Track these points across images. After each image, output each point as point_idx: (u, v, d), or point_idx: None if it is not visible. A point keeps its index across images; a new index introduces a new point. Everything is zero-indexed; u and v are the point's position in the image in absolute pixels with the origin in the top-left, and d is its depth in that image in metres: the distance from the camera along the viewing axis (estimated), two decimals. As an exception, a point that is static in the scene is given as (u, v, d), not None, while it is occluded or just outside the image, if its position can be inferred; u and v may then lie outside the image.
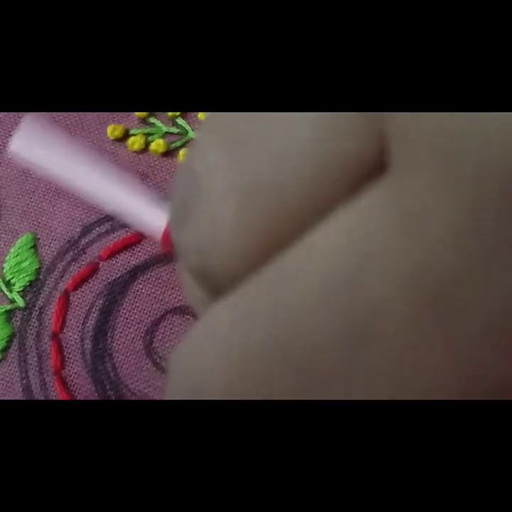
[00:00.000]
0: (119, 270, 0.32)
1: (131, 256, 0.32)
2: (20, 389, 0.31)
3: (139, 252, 0.31)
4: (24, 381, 0.31)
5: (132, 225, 0.29)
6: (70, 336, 0.31)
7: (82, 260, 0.32)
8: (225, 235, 0.12)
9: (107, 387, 0.30)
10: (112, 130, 0.34)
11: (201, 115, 0.33)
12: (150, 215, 0.29)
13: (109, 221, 0.32)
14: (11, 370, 0.31)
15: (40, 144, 0.28)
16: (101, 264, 0.32)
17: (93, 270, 0.32)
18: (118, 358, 0.31)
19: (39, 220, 0.33)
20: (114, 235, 0.32)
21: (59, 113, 0.34)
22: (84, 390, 0.31)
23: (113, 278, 0.32)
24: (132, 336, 0.31)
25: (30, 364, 0.31)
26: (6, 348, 0.32)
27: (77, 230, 0.32)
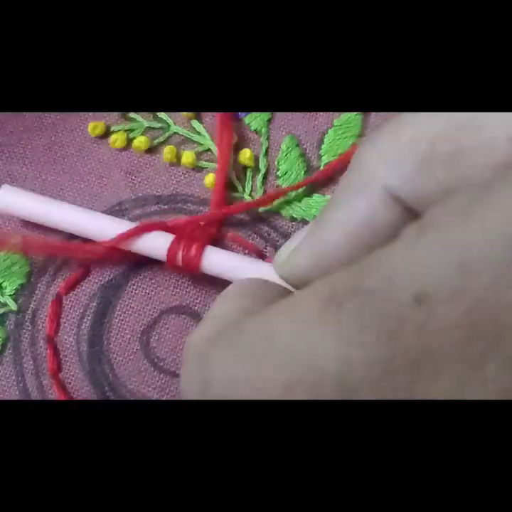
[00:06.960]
0: (111, 272, 0.32)
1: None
2: (17, 392, 0.31)
3: (131, 252, 0.31)
4: (20, 384, 0.31)
5: (135, 250, 0.30)
6: (66, 339, 0.31)
7: (73, 262, 0.32)
8: None
9: (106, 388, 0.31)
10: (93, 128, 0.33)
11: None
12: (151, 239, 0.29)
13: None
14: (6, 373, 0.31)
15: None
16: (92, 266, 0.32)
17: (85, 273, 0.32)
18: (115, 359, 0.31)
19: (27, 222, 0.32)
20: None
21: (43, 113, 0.34)
22: (83, 392, 0.31)
23: (106, 280, 0.32)
24: (128, 337, 0.31)
25: (26, 367, 0.31)
26: (1, 352, 0.32)
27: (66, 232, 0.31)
